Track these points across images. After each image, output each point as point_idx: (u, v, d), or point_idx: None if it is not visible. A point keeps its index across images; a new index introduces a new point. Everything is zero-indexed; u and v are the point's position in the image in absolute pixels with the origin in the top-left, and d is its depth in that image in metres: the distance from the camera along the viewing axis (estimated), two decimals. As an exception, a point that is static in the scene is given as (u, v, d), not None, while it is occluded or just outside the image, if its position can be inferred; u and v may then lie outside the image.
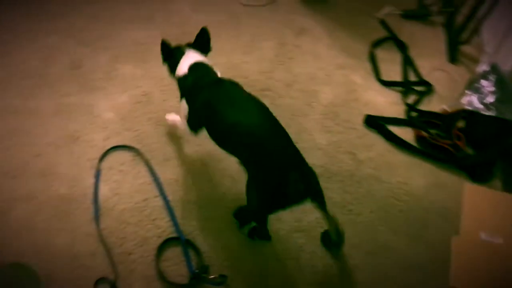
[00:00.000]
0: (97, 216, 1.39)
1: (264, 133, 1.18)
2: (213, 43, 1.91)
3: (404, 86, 1.82)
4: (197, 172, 1.53)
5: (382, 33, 2.01)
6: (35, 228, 1.35)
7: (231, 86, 1.33)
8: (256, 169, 1.19)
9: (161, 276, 1.27)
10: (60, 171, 1.51)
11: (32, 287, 1.24)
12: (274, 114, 1.25)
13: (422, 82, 1.83)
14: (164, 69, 1.81)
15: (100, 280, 1.25)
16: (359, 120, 1.72)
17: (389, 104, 1.79)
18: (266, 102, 1.72)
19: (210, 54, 1.49)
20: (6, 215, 1.38)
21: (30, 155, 1.53)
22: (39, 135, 1.60)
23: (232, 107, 1.24)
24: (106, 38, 1.90)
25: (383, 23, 2.04)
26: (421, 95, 1.78)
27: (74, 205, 1.41)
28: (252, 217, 1.34)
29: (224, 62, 1.86)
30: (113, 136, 1.62)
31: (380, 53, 1.95)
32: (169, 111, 1.70)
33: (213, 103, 1.27)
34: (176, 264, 1.30)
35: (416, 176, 1.56)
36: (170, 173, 1.52)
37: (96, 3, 2.03)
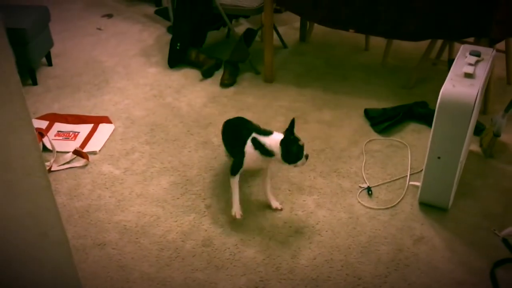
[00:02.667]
0: None
1: None
2: (331, 238, 2.04)
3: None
4: None
5: (504, 252, 1.98)
6: None
7: None
8: None
9: None
10: None
11: None
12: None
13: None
14: (283, 259, 1.96)
15: None
16: None
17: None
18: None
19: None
20: None
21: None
22: (165, 305, 1.78)
23: None
24: (237, 223, 2.14)
25: (506, 242, 2.01)
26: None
27: None
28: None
29: (339, 260, 1.96)
30: (228, 318, 1.74)
31: (503, 274, 1.89)
32: (283, 302, 1.79)
33: None
34: None
35: None
36: None
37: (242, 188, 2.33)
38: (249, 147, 2.06)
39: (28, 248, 0.94)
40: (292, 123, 2.00)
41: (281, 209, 2.20)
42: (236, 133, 2.22)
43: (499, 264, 1.94)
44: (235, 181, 2.12)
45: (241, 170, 2.11)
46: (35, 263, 0.97)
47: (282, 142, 2.00)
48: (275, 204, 2.21)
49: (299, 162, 2.02)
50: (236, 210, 2.11)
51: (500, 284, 1.86)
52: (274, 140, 2.03)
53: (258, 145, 2.05)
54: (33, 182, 0.95)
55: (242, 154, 2.09)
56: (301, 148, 2.01)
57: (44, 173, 0.99)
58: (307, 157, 2.04)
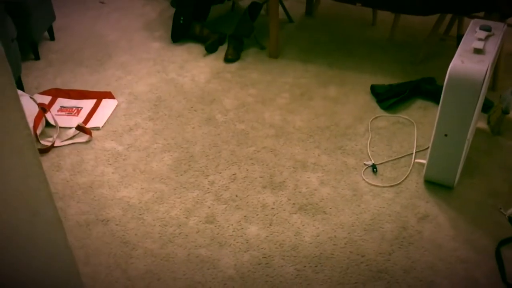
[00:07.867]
0: None
1: None
2: (335, 216, 2.03)
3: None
4: None
5: (509, 231, 1.96)
6: None
7: None
8: None
9: None
10: (179, 320, 1.64)
11: None
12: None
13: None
14: (286, 236, 1.95)
15: None
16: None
17: (515, 311, 1.68)
18: (381, 285, 1.75)
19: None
20: None
21: (158, 299, 1.70)
22: (169, 280, 1.78)
23: None
24: (240, 199, 2.13)
25: (511, 221, 2.00)
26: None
27: None
28: None
29: (343, 237, 1.95)
30: (231, 294, 1.74)
31: (508, 253, 1.88)
32: (289, 278, 1.79)
33: None
34: None
35: None
36: None
37: (235, 165, 2.31)
38: None
39: (19, 228, 0.92)
40: None
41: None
42: None
43: (504, 243, 1.92)
44: None
45: None
46: (27, 243, 0.95)
47: None
48: None
49: None
50: None
51: (505, 262, 1.85)
52: None
53: None
54: (22, 160, 0.92)
55: None
56: None
57: (34, 151, 0.95)
58: None
